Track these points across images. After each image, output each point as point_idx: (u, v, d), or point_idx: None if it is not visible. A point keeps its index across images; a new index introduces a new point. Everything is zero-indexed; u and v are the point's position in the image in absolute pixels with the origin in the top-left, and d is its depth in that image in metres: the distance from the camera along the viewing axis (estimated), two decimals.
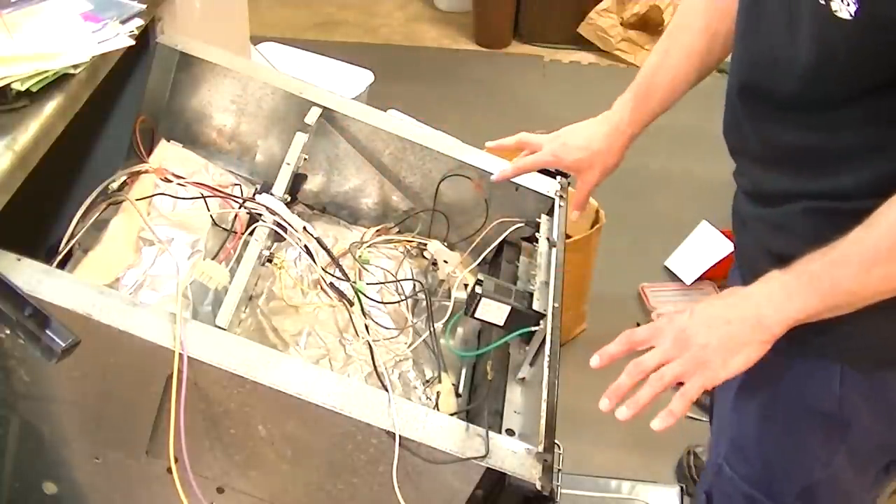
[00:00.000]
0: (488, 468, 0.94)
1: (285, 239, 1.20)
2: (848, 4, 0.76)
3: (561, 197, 1.35)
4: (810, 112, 0.88)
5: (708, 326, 0.88)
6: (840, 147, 0.87)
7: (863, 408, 0.96)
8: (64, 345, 0.89)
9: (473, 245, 1.37)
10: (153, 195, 1.25)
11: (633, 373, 0.90)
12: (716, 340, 0.87)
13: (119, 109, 1.35)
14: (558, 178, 1.39)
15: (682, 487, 1.79)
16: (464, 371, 1.25)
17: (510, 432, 1.08)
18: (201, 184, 1.28)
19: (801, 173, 0.92)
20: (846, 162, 0.87)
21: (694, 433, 1.94)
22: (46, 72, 1.00)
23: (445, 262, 1.36)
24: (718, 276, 2.37)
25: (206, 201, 1.25)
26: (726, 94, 1.02)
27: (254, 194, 1.25)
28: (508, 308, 1.12)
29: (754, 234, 1.02)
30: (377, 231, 1.43)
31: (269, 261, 1.25)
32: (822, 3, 0.79)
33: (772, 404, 1.03)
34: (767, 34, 0.91)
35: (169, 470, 0.94)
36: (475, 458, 0.93)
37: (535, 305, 1.14)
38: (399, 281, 1.36)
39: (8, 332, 0.92)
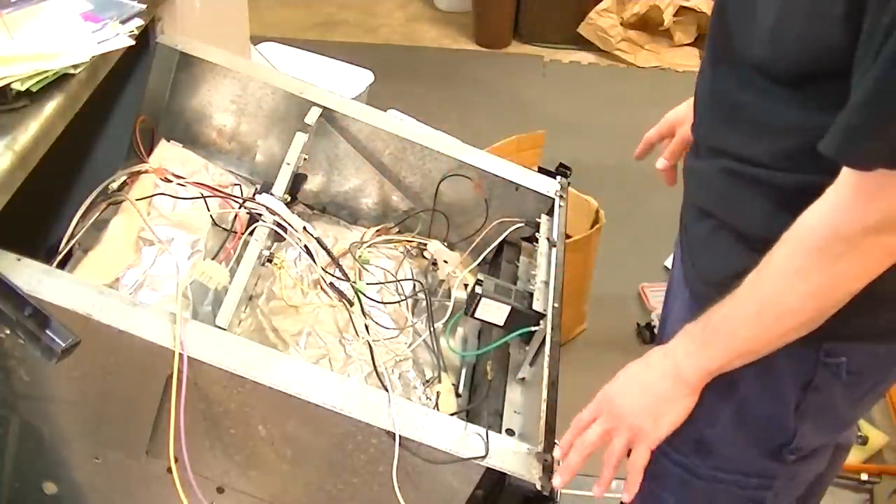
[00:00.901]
0: (488, 468, 0.94)
1: (285, 239, 1.20)
2: None
3: (561, 197, 1.35)
4: (757, 76, 0.88)
5: (632, 391, 0.95)
6: (772, 116, 0.87)
7: (749, 371, 0.95)
8: (64, 345, 0.89)
9: (473, 245, 1.37)
10: (153, 195, 1.25)
11: (580, 448, 0.98)
12: (640, 406, 0.94)
13: (119, 109, 1.35)
14: (558, 178, 1.39)
15: None
16: (464, 371, 1.25)
17: (510, 432, 1.08)
18: (201, 184, 1.28)
19: (732, 131, 0.93)
20: (771, 132, 0.88)
21: None
22: (46, 72, 1.00)
23: (445, 262, 1.36)
24: None
25: (206, 201, 1.25)
26: None
27: (254, 194, 1.25)
28: (508, 308, 1.12)
29: (686, 184, 1.05)
30: (377, 231, 1.43)
31: (269, 261, 1.25)
32: None
33: None
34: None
35: (169, 470, 0.94)
36: (475, 458, 0.93)
37: (535, 305, 1.14)
38: (399, 281, 1.36)
39: (8, 332, 0.92)
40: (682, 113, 1.20)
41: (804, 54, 0.81)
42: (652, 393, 0.94)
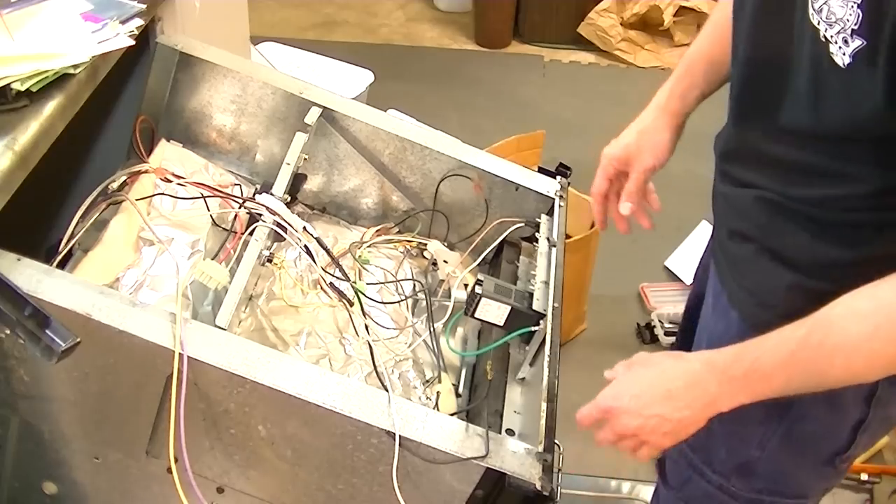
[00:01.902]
0: (488, 468, 0.94)
1: (285, 239, 1.20)
2: (844, 54, 0.75)
3: (561, 197, 1.35)
4: (791, 134, 0.88)
5: (656, 405, 0.92)
6: (809, 166, 0.87)
7: (807, 395, 0.95)
8: (64, 345, 0.89)
9: (473, 245, 1.37)
10: (153, 195, 1.25)
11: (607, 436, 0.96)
12: (662, 424, 0.91)
13: (119, 109, 1.35)
14: (558, 178, 1.39)
15: None
16: (464, 371, 1.25)
17: (510, 432, 1.08)
18: (201, 184, 1.28)
19: (764, 175, 0.93)
20: (807, 179, 0.87)
21: None
22: (46, 72, 1.00)
23: (445, 262, 1.36)
24: None
25: (206, 201, 1.25)
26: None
27: (254, 194, 1.25)
28: (508, 308, 1.12)
29: (717, 207, 1.04)
30: (377, 231, 1.43)
31: (269, 261, 1.25)
32: (822, 40, 0.77)
33: None
34: (767, 48, 0.90)
35: (169, 470, 0.94)
36: (475, 458, 0.93)
37: (535, 305, 1.14)
38: (399, 281, 1.36)
39: (8, 332, 0.92)
40: (626, 145, 1.16)
41: (847, 123, 0.81)
42: (677, 409, 0.91)
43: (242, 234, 1.19)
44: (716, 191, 1.05)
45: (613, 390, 0.95)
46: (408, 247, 1.42)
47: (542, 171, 1.40)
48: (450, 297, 1.29)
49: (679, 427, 0.90)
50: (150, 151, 1.33)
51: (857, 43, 0.74)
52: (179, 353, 0.91)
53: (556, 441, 0.99)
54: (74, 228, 1.15)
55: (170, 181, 1.28)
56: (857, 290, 0.80)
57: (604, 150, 1.18)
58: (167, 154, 1.34)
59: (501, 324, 1.14)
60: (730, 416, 1.01)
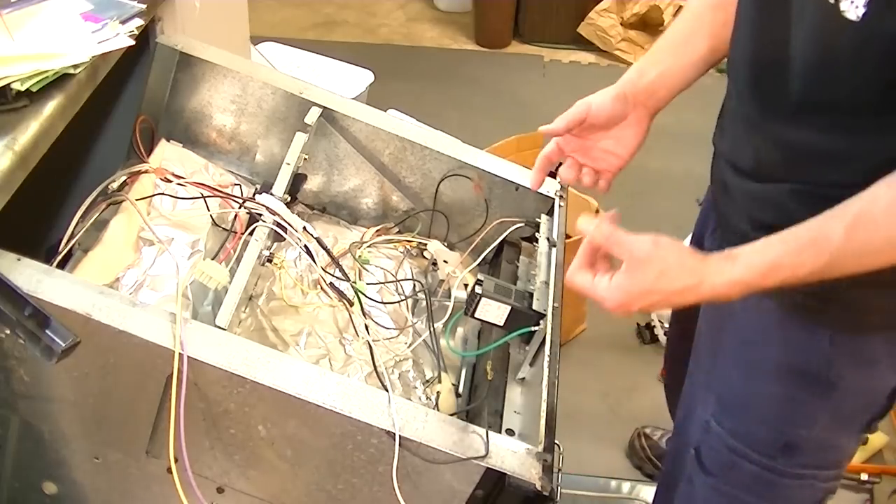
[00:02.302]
0: (488, 468, 0.94)
1: (285, 239, 1.20)
2: (857, 7, 0.76)
3: (561, 197, 1.35)
4: (811, 113, 0.87)
5: (676, 283, 0.89)
6: (838, 148, 0.86)
7: (849, 369, 0.98)
8: (64, 345, 0.89)
9: (473, 245, 1.37)
10: (153, 195, 1.25)
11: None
12: (667, 298, 0.91)
13: (119, 109, 1.35)
14: (558, 178, 1.39)
15: None
16: (464, 371, 1.25)
17: (510, 432, 1.08)
18: (201, 184, 1.28)
19: (796, 167, 0.92)
20: (841, 161, 0.87)
21: (644, 416, 1.99)
22: (46, 72, 1.00)
23: (445, 262, 1.36)
24: None
25: (206, 201, 1.25)
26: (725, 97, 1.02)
27: (254, 194, 1.25)
28: (508, 308, 1.12)
29: (739, 203, 1.02)
30: (377, 231, 1.43)
31: (269, 261, 1.25)
32: (831, 1, 0.78)
33: (762, 363, 1.05)
34: (768, 31, 0.90)
35: (169, 470, 0.94)
36: (475, 458, 0.93)
37: (535, 305, 1.14)
38: (399, 281, 1.36)
39: (8, 332, 0.92)
40: (593, 98, 1.09)
41: (864, 83, 0.81)
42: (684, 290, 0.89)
43: (242, 234, 1.19)
44: (730, 185, 1.03)
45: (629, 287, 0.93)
46: (408, 247, 1.42)
47: None
48: (450, 297, 1.29)
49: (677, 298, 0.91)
50: (150, 151, 1.33)
51: None
52: (179, 353, 0.91)
53: (556, 441, 0.99)
54: (74, 228, 1.15)
55: (170, 181, 1.28)
56: (884, 183, 0.79)
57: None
58: (167, 154, 1.34)
59: (501, 324, 1.14)
60: (776, 398, 1.04)
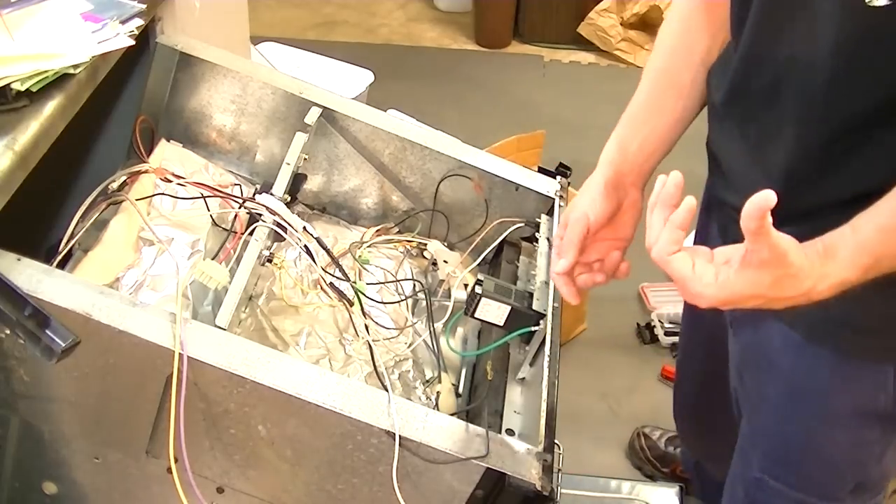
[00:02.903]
0: (488, 468, 0.94)
1: (285, 239, 1.20)
2: None
3: (561, 197, 1.35)
4: (830, 121, 0.84)
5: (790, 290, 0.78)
6: (871, 159, 0.83)
7: None
8: (64, 345, 0.89)
9: (473, 245, 1.37)
10: (153, 195, 1.25)
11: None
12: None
13: (119, 109, 1.35)
14: (558, 178, 1.39)
15: (681, 487, 1.78)
16: (464, 371, 1.25)
17: (510, 432, 1.08)
18: (201, 184, 1.28)
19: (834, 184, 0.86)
20: (872, 163, 0.83)
21: (644, 416, 1.99)
22: (46, 72, 0.99)
23: (445, 262, 1.36)
24: None
25: (206, 201, 1.25)
26: (712, 105, 1.00)
27: (254, 194, 1.25)
28: (508, 308, 1.12)
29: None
30: (377, 231, 1.43)
31: (269, 261, 1.25)
32: None
33: (823, 409, 1.02)
34: (777, 30, 0.86)
35: (169, 470, 0.94)
36: (475, 458, 0.93)
37: (535, 305, 1.14)
38: (399, 281, 1.36)
39: (8, 332, 0.92)
40: (570, 207, 1.02)
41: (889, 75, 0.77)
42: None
43: (242, 234, 1.19)
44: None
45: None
46: (408, 247, 1.42)
47: (542, 171, 1.40)
48: (450, 297, 1.29)
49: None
50: (150, 151, 1.33)
51: None
52: (179, 353, 0.91)
53: (556, 441, 0.99)
54: (74, 228, 1.14)
55: (170, 181, 1.28)
56: None
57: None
58: (167, 154, 1.34)
59: (501, 324, 1.14)
60: (844, 444, 1.02)
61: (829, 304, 0.83)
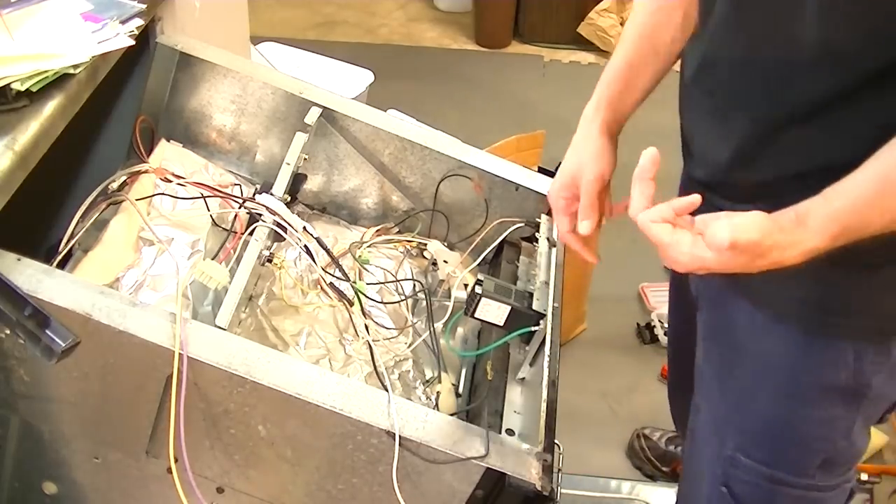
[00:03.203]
0: (488, 468, 0.94)
1: (285, 239, 1.20)
2: None
3: None
4: (816, 109, 0.85)
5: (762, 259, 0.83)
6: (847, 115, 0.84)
7: (875, 375, 0.98)
8: (64, 345, 0.89)
9: (473, 245, 1.37)
10: (153, 195, 1.25)
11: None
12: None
13: (119, 109, 1.35)
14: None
15: None
16: (464, 371, 1.25)
17: (510, 432, 1.08)
18: (201, 184, 1.28)
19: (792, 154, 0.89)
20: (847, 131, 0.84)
21: (644, 416, 1.99)
22: (46, 72, 1.00)
23: (445, 262, 1.36)
24: None
25: (206, 201, 1.25)
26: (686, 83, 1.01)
27: (254, 194, 1.25)
28: (508, 308, 1.12)
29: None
30: (377, 231, 1.43)
31: (269, 261, 1.25)
32: None
33: (790, 385, 1.04)
34: (761, 9, 0.87)
35: (169, 470, 0.94)
36: (475, 458, 0.93)
37: (535, 305, 1.14)
38: (399, 281, 1.36)
39: (8, 332, 0.92)
40: (563, 170, 1.10)
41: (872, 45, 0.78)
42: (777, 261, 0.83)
43: (242, 234, 1.19)
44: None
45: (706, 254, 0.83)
46: (408, 247, 1.42)
47: (542, 171, 1.40)
48: (450, 297, 1.29)
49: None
50: (150, 151, 1.33)
51: None
52: (179, 353, 0.91)
53: (556, 441, 0.99)
54: (74, 228, 1.15)
55: (170, 181, 1.28)
56: None
57: (547, 192, 1.13)
58: (167, 154, 1.34)
59: (501, 324, 1.14)
60: (812, 420, 1.03)
61: (792, 285, 0.91)
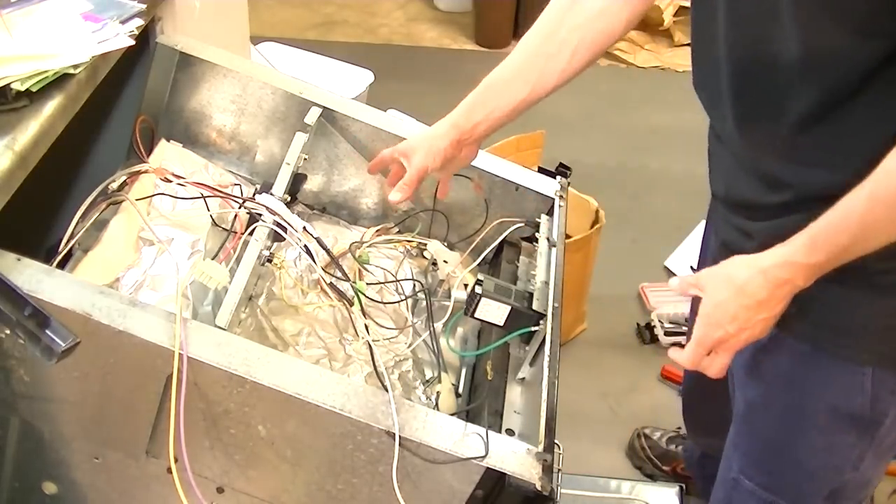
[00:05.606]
0: (488, 468, 0.94)
1: (285, 239, 1.20)
2: None
3: (561, 197, 1.35)
4: (808, 119, 0.86)
5: (757, 310, 0.89)
6: (845, 147, 0.85)
7: (892, 403, 0.96)
8: (64, 345, 0.89)
9: (473, 245, 1.37)
10: (153, 195, 1.25)
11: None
12: (762, 325, 0.91)
13: (119, 109, 1.35)
14: (558, 178, 1.39)
15: (681, 487, 1.78)
16: (464, 371, 1.25)
17: (510, 432, 1.08)
18: (201, 184, 1.28)
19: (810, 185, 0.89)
20: (846, 160, 0.85)
21: (644, 416, 1.99)
22: (46, 72, 1.00)
23: (445, 262, 1.36)
24: None
25: (206, 201, 1.25)
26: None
27: (254, 194, 1.25)
28: (508, 308, 1.12)
29: (757, 242, 0.98)
30: (377, 231, 1.43)
31: (269, 261, 1.25)
32: None
33: (798, 410, 1.02)
34: (747, 27, 0.88)
35: (169, 470, 0.94)
36: (475, 458, 0.93)
37: (535, 305, 1.14)
38: (399, 281, 1.36)
39: (8, 332, 0.92)
40: (407, 142, 1.21)
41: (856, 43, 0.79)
42: (769, 310, 0.89)
43: (242, 234, 1.19)
44: (746, 230, 1.00)
45: (708, 322, 0.93)
46: (408, 247, 1.42)
47: (542, 171, 1.41)
48: (450, 297, 1.29)
49: (770, 322, 0.90)
50: (150, 151, 1.33)
51: None
52: (179, 353, 0.91)
53: (556, 441, 0.99)
54: (74, 228, 1.14)
55: (170, 181, 1.28)
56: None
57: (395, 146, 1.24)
58: (167, 154, 1.34)
59: (501, 324, 1.14)
60: (819, 447, 1.02)
61: (808, 306, 0.90)
